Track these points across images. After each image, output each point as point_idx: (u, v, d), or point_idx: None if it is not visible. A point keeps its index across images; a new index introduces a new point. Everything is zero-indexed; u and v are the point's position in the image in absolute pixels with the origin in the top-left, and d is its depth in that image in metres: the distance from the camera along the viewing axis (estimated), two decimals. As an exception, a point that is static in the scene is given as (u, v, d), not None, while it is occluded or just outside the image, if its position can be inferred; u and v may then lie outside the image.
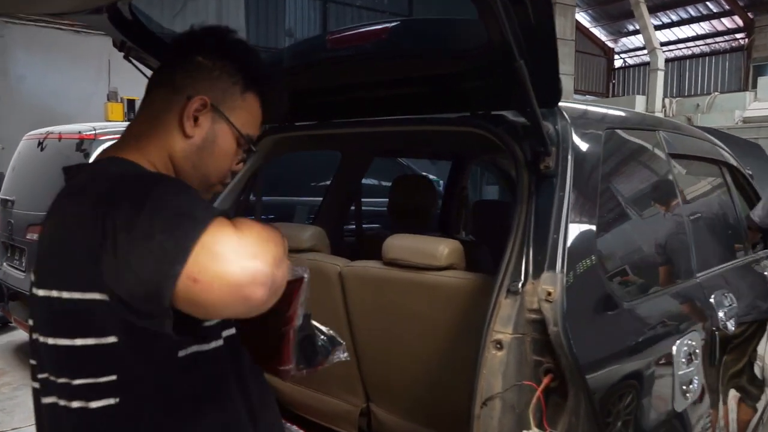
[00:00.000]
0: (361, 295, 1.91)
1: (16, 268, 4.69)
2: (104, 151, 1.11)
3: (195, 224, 0.82)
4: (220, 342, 1.01)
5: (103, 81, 11.00)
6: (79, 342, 0.91)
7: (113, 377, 0.91)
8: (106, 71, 10.88)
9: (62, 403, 0.95)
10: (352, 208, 3.27)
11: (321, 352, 1.16)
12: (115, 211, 0.85)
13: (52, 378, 0.96)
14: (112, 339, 0.89)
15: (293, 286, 1.04)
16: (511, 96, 1.52)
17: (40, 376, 1.00)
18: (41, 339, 0.97)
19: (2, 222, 5.01)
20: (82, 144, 4.43)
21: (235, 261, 0.80)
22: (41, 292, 0.95)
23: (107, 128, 4.76)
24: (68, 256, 0.91)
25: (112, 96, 10.66)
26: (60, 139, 4.69)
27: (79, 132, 4.59)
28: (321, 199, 3.22)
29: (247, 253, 0.81)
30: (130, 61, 1.79)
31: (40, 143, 4.84)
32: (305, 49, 2.16)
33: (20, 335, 5.39)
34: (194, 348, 0.96)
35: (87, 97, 10.85)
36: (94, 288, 0.87)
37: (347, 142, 2.85)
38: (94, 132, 4.53)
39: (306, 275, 1.07)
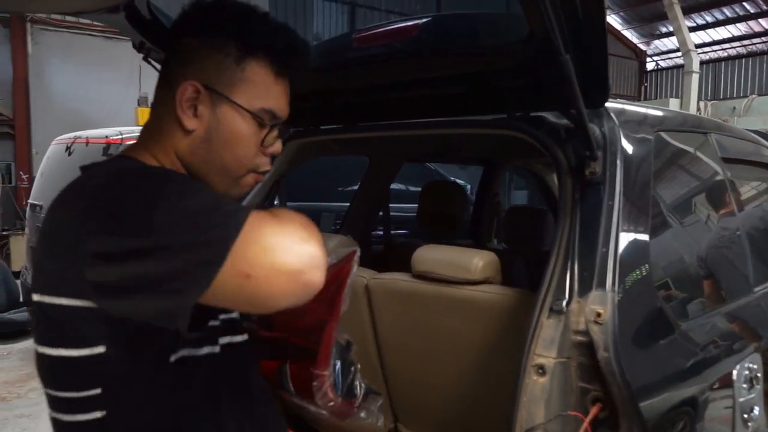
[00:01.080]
0: (389, 309, 1.81)
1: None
2: (119, 152, 1.03)
3: (229, 219, 0.76)
4: (215, 348, 0.95)
5: (134, 86, 11.15)
6: (63, 353, 0.84)
7: (98, 390, 0.85)
8: (137, 77, 11.03)
9: (53, 415, 0.89)
10: (380, 214, 3.17)
11: (357, 390, 1.11)
12: (107, 216, 0.79)
13: (45, 389, 0.90)
14: (99, 349, 0.83)
15: (339, 266, 1.04)
16: (552, 96, 1.40)
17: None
18: (36, 347, 0.90)
19: (31, 227, 5.05)
20: (109, 148, 4.44)
21: (289, 248, 0.76)
22: (35, 297, 0.88)
23: (134, 132, 4.77)
24: (54, 259, 0.84)
25: (142, 101, 10.78)
26: (87, 143, 4.71)
27: (106, 136, 4.60)
28: (347, 204, 3.13)
29: (297, 238, 0.77)
30: (150, 63, 1.72)
31: (68, 148, 4.87)
32: (331, 49, 2.06)
33: (48, 340, 5.42)
34: (185, 352, 0.89)
35: (118, 103, 11.02)
36: (81, 295, 0.80)
37: (376, 147, 2.76)
38: (120, 136, 4.54)
39: (357, 249, 1.07)
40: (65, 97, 11.09)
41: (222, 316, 0.98)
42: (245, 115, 0.94)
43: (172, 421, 0.89)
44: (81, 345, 0.83)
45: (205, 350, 0.93)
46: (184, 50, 0.95)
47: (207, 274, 0.74)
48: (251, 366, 1.06)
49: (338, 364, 1.06)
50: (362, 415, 1.14)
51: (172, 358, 0.88)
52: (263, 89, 0.95)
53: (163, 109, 0.96)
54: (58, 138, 5.23)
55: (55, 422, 0.90)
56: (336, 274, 1.07)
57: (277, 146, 1.00)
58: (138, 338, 0.83)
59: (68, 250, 0.80)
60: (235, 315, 1.01)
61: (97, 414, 0.85)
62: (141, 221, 0.76)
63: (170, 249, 0.75)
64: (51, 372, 0.88)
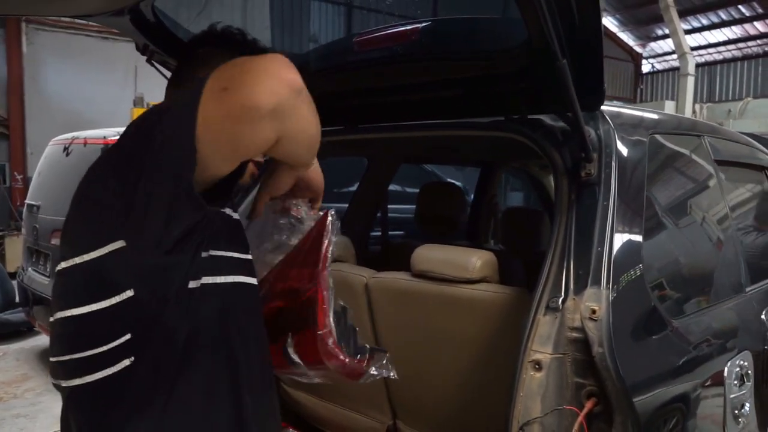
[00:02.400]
0: (388, 308, 1.83)
1: (41, 273, 4.70)
2: None
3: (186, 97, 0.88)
4: (229, 278, 1.00)
5: (130, 87, 11.14)
6: (94, 307, 0.89)
7: (127, 336, 0.89)
8: (132, 77, 11.03)
9: (74, 383, 0.92)
10: (378, 215, 3.20)
11: (363, 349, 1.12)
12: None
13: (67, 356, 0.93)
14: (128, 293, 0.88)
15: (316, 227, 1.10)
16: (549, 99, 1.43)
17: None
18: (58, 315, 0.94)
19: (28, 227, 5.05)
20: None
21: (254, 59, 0.88)
22: (63, 265, 0.93)
23: (132, 133, 4.76)
24: (87, 216, 0.93)
25: (138, 102, 10.76)
26: (85, 144, 4.71)
27: (104, 137, 4.60)
28: (346, 205, 3.15)
29: (260, 59, 0.88)
30: (153, 65, 1.74)
31: (65, 148, 4.87)
32: (331, 52, 2.09)
33: (44, 340, 5.42)
34: (205, 279, 0.94)
35: (114, 103, 11.00)
36: (113, 238, 0.87)
37: (375, 148, 2.79)
38: (118, 137, 4.53)
39: (330, 210, 1.11)
40: (60, 98, 11.07)
41: (235, 254, 1.02)
42: None
43: (192, 358, 0.93)
44: (110, 294, 0.88)
45: (222, 279, 0.97)
46: (196, 59, 1.15)
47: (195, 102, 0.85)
48: (259, 313, 1.10)
49: (338, 324, 1.07)
50: (373, 371, 1.14)
51: (192, 285, 0.92)
52: None
53: None
54: (55, 138, 5.23)
55: (74, 391, 0.93)
56: (316, 233, 1.12)
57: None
58: (162, 273, 0.89)
59: (104, 201, 0.90)
60: (249, 256, 1.06)
61: (126, 362, 0.89)
62: None
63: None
64: (76, 334, 0.92)
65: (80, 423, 0.95)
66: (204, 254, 0.94)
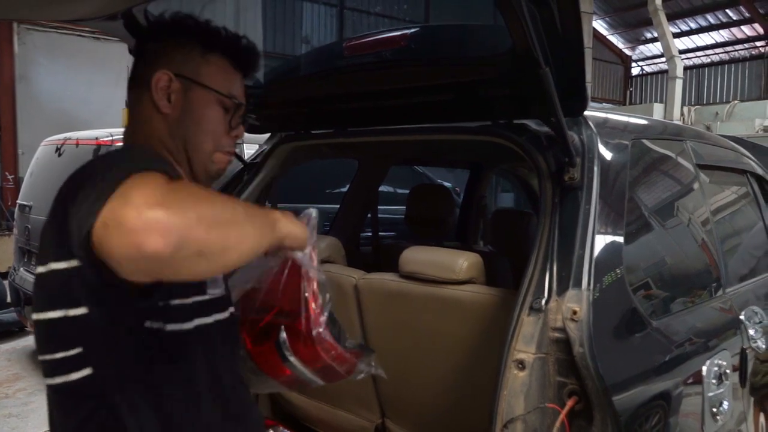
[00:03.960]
0: (378, 308, 1.86)
1: (33, 274, 4.69)
2: None
3: (120, 172, 0.81)
4: (189, 325, 1.00)
5: (122, 87, 10.99)
6: (51, 315, 0.94)
7: (79, 349, 0.93)
8: (124, 78, 10.95)
9: (48, 381, 0.98)
10: (368, 216, 3.23)
11: (353, 346, 1.15)
12: (85, 179, 0.88)
13: (43, 357, 0.98)
14: (82, 310, 0.92)
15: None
16: (534, 105, 1.47)
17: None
18: (34, 318, 0.99)
19: (20, 227, 5.04)
20: (99, 150, 4.44)
21: (138, 206, 0.74)
22: (39, 269, 0.97)
23: (124, 134, 4.77)
24: (53, 228, 0.94)
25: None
26: (77, 145, 4.71)
27: (96, 138, 4.60)
28: (337, 206, 3.18)
29: (155, 201, 0.74)
30: (145, 68, 1.76)
31: (57, 149, 4.87)
32: (322, 56, 2.12)
33: (35, 340, 5.40)
34: (159, 324, 0.97)
35: (106, 104, 10.95)
36: (69, 256, 0.89)
37: (365, 151, 2.82)
38: (111, 138, 4.54)
39: (313, 214, 1.07)
40: (52, 98, 11.01)
41: (210, 292, 1.05)
42: (214, 97, 1.10)
43: (151, 381, 0.97)
44: (68, 306, 0.92)
45: (179, 326, 0.99)
46: (153, 51, 1.11)
47: (92, 213, 0.77)
48: (235, 344, 1.12)
49: (329, 321, 1.09)
50: (362, 366, 1.18)
51: (148, 325, 0.95)
52: (225, 76, 1.13)
53: (140, 107, 1.10)
54: (47, 139, 5.23)
55: (54, 390, 0.98)
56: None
57: (240, 130, 1.16)
58: (115, 302, 0.91)
59: (61, 220, 0.89)
60: (220, 293, 1.08)
61: (87, 371, 0.93)
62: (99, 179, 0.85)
63: (90, 195, 0.81)
64: (45, 336, 0.97)
65: (57, 421, 1.01)
66: (161, 303, 0.96)
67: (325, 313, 1.08)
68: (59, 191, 0.95)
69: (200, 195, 0.82)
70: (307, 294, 1.06)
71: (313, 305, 1.06)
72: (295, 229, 0.99)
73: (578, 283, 1.28)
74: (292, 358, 1.10)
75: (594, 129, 1.52)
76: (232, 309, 1.12)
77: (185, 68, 1.08)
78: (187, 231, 0.75)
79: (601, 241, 1.37)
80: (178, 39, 1.10)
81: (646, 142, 1.75)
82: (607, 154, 1.52)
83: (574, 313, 1.23)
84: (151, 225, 0.72)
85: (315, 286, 1.07)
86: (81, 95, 11.05)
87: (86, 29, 10.53)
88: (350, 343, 1.16)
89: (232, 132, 1.15)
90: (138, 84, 1.11)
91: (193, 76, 1.09)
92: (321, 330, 1.06)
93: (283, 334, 1.09)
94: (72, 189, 0.88)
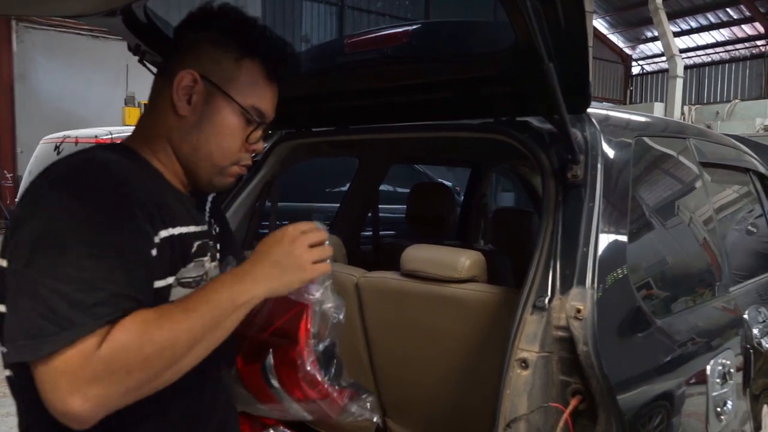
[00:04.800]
0: (379, 307, 1.85)
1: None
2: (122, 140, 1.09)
3: (59, 332, 0.78)
4: None
5: (121, 86, 11.09)
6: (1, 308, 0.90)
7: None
8: (124, 76, 10.98)
9: (8, 374, 0.95)
10: (369, 215, 3.22)
11: (350, 385, 1.09)
12: (28, 215, 0.85)
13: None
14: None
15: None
16: (537, 101, 1.45)
17: None
18: None
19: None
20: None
21: (62, 391, 0.77)
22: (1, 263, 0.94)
23: (123, 132, 4.76)
24: (7, 226, 0.92)
25: (129, 101, 10.72)
26: (77, 143, 4.71)
27: (96, 136, 4.60)
28: (337, 205, 3.17)
29: (77, 387, 0.77)
30: (145, 65, 1.75)
31: (56, 147, 4.86)
32: (323, 53, 2.11)
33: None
34: None
35: (105, 102, 10.96)
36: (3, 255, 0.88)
37: (366, 149, 2.80)
38: (110, 136, 4.54)
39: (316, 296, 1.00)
40: (51, 96, 11.02)
41: None
42: (236, 110, 1.02)
43: None
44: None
45: None
46: (188, 43, 1.03)
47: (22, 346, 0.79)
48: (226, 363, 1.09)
49: (321, 347, 1.04)
50: (354, 409, 1.12)
51: None
52: (256, 89, 1.04)
53: (159, 99, 1.03)
54: (46, 137, 5.22)
55: (9, 380, 0.96)
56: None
57: (259, 145, 1.08)
58: None
59: (13, 222, 0.88)
60: None
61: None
62: (45, 237, 0.82)
63: (37, 290, 0.80)
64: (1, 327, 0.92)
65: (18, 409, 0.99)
66: None
67: (320, 347, 1.04)
68: (24, 190, 0.92)
69: (144, 341, 0.81)
70: (303, 323, 1.02)
71: (303, 336, 1.02)
72: (273, 283, 0.94)
73: (582, 282, 1.26)
74: (276, 385, 1.06)
75: (597, 126, 1.50)
76: None
77: (214, 71, 1.01)
78: (125, 394, 0.80)
79: (605, 239, 1.36)
80: (216, 36, 1.02)
81: (648, 139, 1.73)
82: (611, 152, 1.50)
83: (578, 311, 1.22)
84: (68, 415, 0.77)
85: (310, 317, 1.02)
86: (80, 93, 11.05)
87: (85, 27, 10.53)
88: (346, 382, 1.10)
89: (251, 146, 1.07)
90: (164, 74, 1.04)
91: (220, 82, 1.01)
92: (308, 364, 1.01)
93: (270, 359, 1.05)
94: (23, 208, 0.86)
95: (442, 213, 2.60)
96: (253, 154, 1.09)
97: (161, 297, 0.94)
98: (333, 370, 1.08)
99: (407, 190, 2.94)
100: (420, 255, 1.74)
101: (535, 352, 1.25)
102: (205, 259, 1.06)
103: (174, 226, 0.98)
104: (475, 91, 1.60)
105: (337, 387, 1.08)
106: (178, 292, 0.97)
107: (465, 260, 1.64)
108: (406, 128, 1.87)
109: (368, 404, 1.14)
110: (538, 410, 1.22)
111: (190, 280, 1.01)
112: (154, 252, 0.92)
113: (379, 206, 3.17)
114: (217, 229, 1.20)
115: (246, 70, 1.03)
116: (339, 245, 2.09)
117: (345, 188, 3.27)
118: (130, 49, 1.73)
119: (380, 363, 1.91)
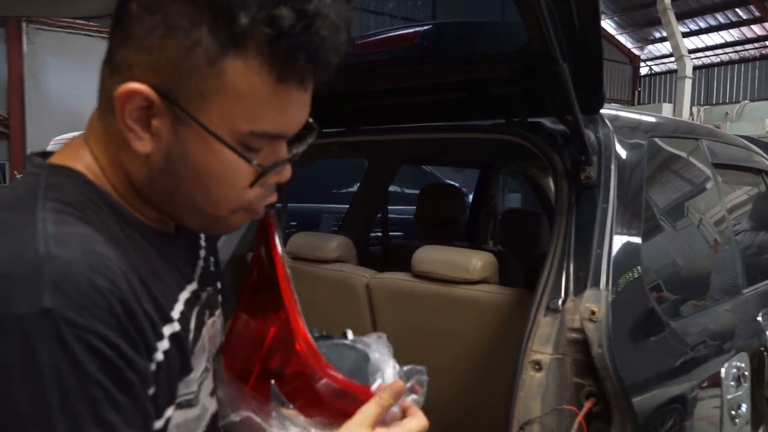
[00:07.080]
0: (389, 308, 1.85)
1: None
2: (59, 150, 0.72)
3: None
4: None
5: (130, 87, 11.14)
6: None
7: None
8: (133, 78, 11.02)
9: None
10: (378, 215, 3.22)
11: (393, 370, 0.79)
12: None
13: None
14: None
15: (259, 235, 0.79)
16: (549, 102, 1.45)
17: None
18: None
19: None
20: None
21: None
22: None
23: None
24: None
25: (138, 102, 10.76)
26: (86, 144, 4.71)
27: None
28: (346, 206, 3.17)
29: None
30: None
31: (66, 148, 4.87)
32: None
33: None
34: None
35: (114, 103, 10.98)
36: None
37: (376, 150, 2.80)
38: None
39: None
40: (61, 97, 11.07)
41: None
42: (219, 147, 0.61)
43: None
44: None
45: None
46: (128, 21, 0.60)
47: None
48: None
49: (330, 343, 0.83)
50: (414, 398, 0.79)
51: None
52: (254, 103, 0.60)
53: (105, 105, 0.66)
54: (56, 138, 5.24)
55: None
56: (263, 244, 0.81)
57: (284, 174, 0.72)
58: None
59: None
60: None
61: None
62: None
63: None
64: None
65: None
66: None
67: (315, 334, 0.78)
68: None
69: None
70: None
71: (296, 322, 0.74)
72: None
73: (596, 283, 1.25)
74: (285, 400, 0.77)
75: (610, 127, 1.49)
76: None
77: (177, 83, 0.59)
78: None
79: (619, 240, 1.35)
80: (171, 16, 0.57)
81: (660, 140, 1.72)
82: (624, 153, 1.49)
83: (593, 313, 1.21)
84: None
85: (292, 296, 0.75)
86: (89, 94, 10.91)
87: (94, 28, 10.58)
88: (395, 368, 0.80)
89: (269, 180, 0.69)
90: (109, 65, 0.65)
91: (189, 103, 0.59)
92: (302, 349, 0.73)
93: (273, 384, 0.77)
94: None
95: (452, 214, 2.60)
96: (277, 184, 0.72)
97: None
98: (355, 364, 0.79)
99: (415, 191, 2.94)
100: (432, 256, 1.74)
101: (549, 354, 1.24)
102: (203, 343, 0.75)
103: (173, 308, 0.67)
104: (487, 91, 1.60)
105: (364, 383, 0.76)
106: (177, 417, 0.68)
107: (477, 261, 1.63)
108: (417, 129, 1.87)
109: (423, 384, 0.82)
110: (552, 413, 1.22)
111: (190, 395, 0.70)
112: (152, 391, 0.61)
113: (388, 207, 3.17)
114: (213, 260, 0.87)
115: (232, 75, 0.59)
116: (349, 246, 2.09)
117: (353, 190, 3.27)
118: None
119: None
